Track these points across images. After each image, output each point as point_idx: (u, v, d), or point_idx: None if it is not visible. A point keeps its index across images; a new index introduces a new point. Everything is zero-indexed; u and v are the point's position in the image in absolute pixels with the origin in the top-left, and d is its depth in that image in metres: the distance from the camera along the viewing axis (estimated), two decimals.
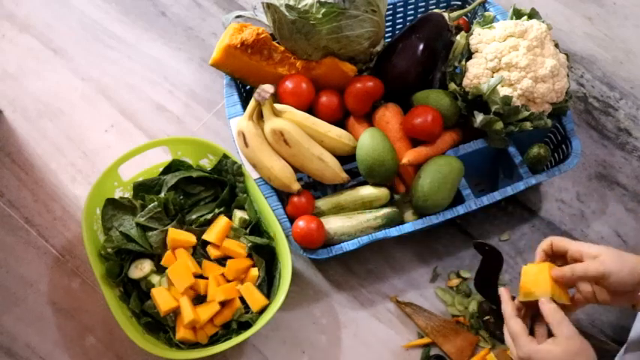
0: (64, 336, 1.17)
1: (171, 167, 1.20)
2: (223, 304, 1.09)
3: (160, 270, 1.12)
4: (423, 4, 1.32)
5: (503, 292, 0.92)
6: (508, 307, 0.90)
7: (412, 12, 1.33)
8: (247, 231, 1.14)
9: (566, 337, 0.84)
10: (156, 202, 1.13)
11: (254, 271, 1.11)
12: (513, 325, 0.88)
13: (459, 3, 1.33)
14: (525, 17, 1.16)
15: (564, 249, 0.92)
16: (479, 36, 1.15)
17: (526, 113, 1.10)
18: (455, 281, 1.18)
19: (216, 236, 1.11)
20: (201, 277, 1.11)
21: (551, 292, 0.87)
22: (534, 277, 0.90)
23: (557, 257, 0.94)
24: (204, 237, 1.12)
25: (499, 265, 0.98)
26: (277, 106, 1.14)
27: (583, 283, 0.89)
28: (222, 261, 1.13)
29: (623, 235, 1.23)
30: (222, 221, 1.12)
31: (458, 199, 1.15)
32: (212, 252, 1.12)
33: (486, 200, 1.13)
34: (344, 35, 1.13)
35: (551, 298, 0.87)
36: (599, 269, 0.86)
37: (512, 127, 1.11)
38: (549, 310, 0.86)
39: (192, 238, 1.12)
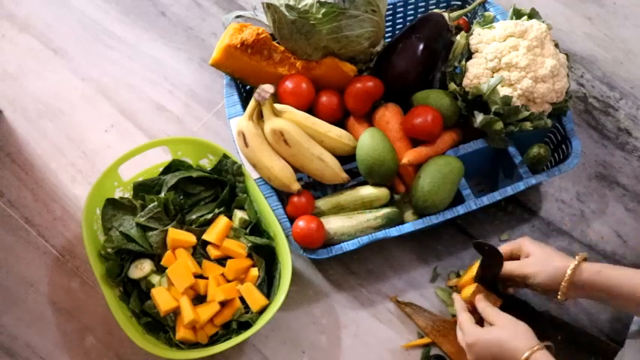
0: (64, 336, 1.17)
1: (171, 167, 1.20)
2: (223, 304, 1.09)
3: (160, 270, 1.12)
4: (423, 4, 1.32)
5: (455, 296, 1.04)
6: (458, 304, 1.00)
7: (412, 12, 1.33)
8: (247, 231, 1.14)
9: (498, 315, 0.93)
10: (156, 202, 1.13)
11: (254, 271, 1.11)
12: (461, 316, 0.98)
13: (459, 3, 1.33)
14: (525, 17, 1.16)
15: (508, 253, 1.03)
16: (479, 36, 1.15)
17: (526, 113, 1.10)
18: (455, 281, 1.18)
19: (216, 236, 1.11)
20: (201, 277, 1.11)
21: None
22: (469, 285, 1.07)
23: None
24: (204, 237, 1.12)
25: (499, 265, 0.98)
26: (277, 106, 1.14)
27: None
28: (222, 261, 1.13)
29: (623, 235, 1.23)
30: (222, 221, 1.12)
31: (458, 199, 1.15)
32: (212, 252, 1.12)
33: (486, 200, 1.13)
34: (344, 35, 1.13)
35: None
36: (523, 270, 0.97)
37: (512, 127, 1.11)
38: (482, 305, 0.97)
39: (192, 238, 1.12)
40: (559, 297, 0.95)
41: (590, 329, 1.14)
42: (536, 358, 0.85)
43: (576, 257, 0.95)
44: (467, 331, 0.94)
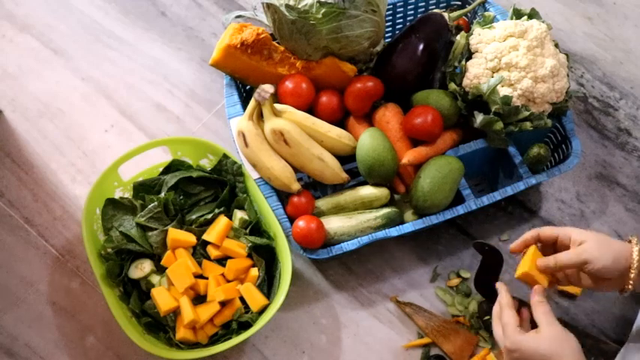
0: (64, 336, 1.17)
1: (171, 167, 1.20)
2: (223, 304, 1.09)
3: (160, 270, 1.12)
4: (423, 4, 1.32)
5: (501, 285, 0.94)
6: (505, 298, 0.92)
7: (412, 12, 1.33)
8: (247, 231, 1.14)
9: (549, 327, 0.86)
10: (156, 202, 1.13)
11: (254, 271, 1.11)
12: (507, 315, 0.89)
13: (459, 3, 1.33)
14: (525, 17, 1.16)
15: (553, 237, 0.94)
16: (479, 36, 1.15)
17: (526, 113, 1.10)
18: (455, 281, 1.18)
19: (216, 236, 1.11)
20: (201, 277, 1.11)
21: (529, 270, 0.92)
22: (521, 260, 0.96)
23: (547, 247, 0.96)
24: (204, 237, 1.12)
25: (499, 265, 0.98)
26: (277, 106, 1.14)
27: (568, 269, 0.92)
28: (222, 261, 1.13)
29: (623, 235, 1.23)
30: (222, 221, 1.12)
31: (458, 199, 1.15)
32: (212, 252, 1.12)
33: (486, 200, 1.13)
34: (344, 35, 1.13)
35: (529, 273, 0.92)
36: (582, 257, 0.88)
37: (512, 127, 1.11)
38: (535, 302, 0.89)
39: (192, 238, 1.12)
40: (629, 286, 0.88)
41: (590, 330, 1.14)
42: None
43: (633, 241, 0.89)
44: (509, 335, 0.87)
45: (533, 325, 0.90)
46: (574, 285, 0.96)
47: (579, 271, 0.94)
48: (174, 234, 1.11)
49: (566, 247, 0.92)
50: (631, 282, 0.88)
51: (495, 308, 0.93)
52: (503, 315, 0.90)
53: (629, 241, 0.90)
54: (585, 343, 1.09)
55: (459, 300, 1.17)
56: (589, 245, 0.89)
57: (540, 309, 0.88)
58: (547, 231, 0.94)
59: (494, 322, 0.92)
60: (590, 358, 1.08)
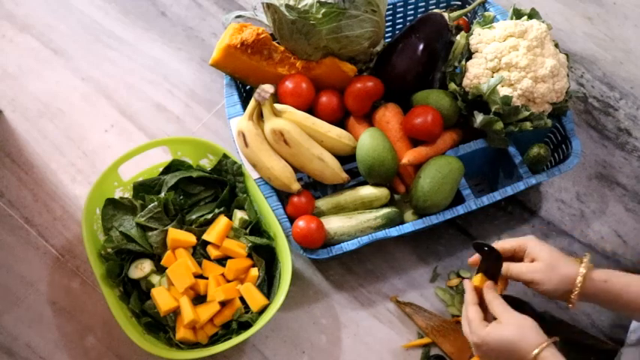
0: (64, 336, 1.17)
1: (171, 167, 1.20)
2: (223, 304, 1.09)
3: (160, 270, 1.12)
4: (423, 4, 1.32)
5: (466, 282, 0.98)
6: (469, 295, 0.95)
7: (412, 12, 1.33)
8: (247, 231, 1.14)
9: (507, 314, 0.90)
10: (156, 202, 1.13)
11: (254, 271, 1.11)
12: (471, 310, 0.93)
13: (459, 3, 1.33)
14: (525, 17, 1.16)
15: (511, 250, 0.98)
16: (479, 36, 1.15)
17: (526, 113, 1.10)
18: (455, 281, 1.18)
19: (216, 236, 1.11)
20: (201, 277, 1.11)
21: (479, 284, 0.97)
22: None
23: (507, 257, 1.00)
24: (204, 237, 1.12)
25: (498, 265, 0.98)
26: (277, 106, 1.14)
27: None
28: (222, 261, 1.13)
29: (623, 235, 1.23)
30: (222, 221, 1.12)
31: (458, 199, 1.15)
32: (212, 252, 1.12)
33: (486, 200, 1.13)
34: (344, 35, 1.13)
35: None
36: (528, 276, 0.94)
37: (512, 127, 1.11)
38: (490, 297, 0.93)
39: (192, 238, 1.12)
40: (569, 306, 0.93)
41: (590, 330, 1.14)
42: (544, 356, 0.84)
43: (582, 263, 0.92)
44: (474, 330, 0.91)
45: None
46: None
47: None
48: (174, 234, 1.11)
49: (522, 256, 0.97)
50: (572, 303, 0.93)
51: (464, 307, 0.96)
52: (468, 311, 0.93)
53: (581, 261, 0.93)
54: (585, 343, 1.09)
55: (459, 300, 1.17)
56: (538, 267, 0.93)
57: (495, 302, 0.92)
58: (506, 244, 0.98)
59: (462, 320, 0.95)
60: (590, 357, 1.08)
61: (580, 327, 1.14)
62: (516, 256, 0.98)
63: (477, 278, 0.97)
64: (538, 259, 0.94)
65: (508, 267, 0.96)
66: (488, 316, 0.93)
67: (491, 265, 0.98)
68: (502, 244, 0.98)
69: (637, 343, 1.01)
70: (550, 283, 0.92)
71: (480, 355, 0.92)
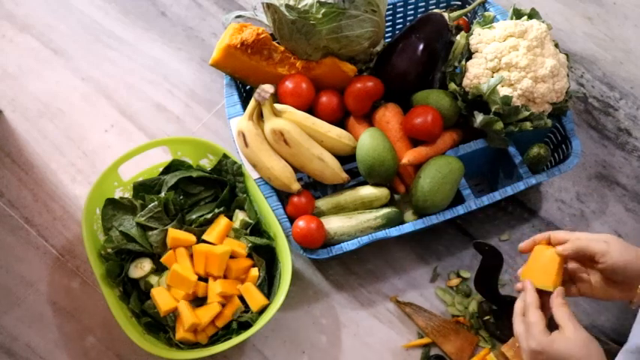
0: (64, 336, 1.17)
1: (171, 167, 1.20)
2: (223, 305, 1.09)
3: (160, 269, 1.12)
4: (423, 4, 1.32)
5: (527, 282, 0.90)
6: (531, 296, 0.88)
7: (412, 12, 1.33)
8: (247, 231, 1.14)
9: (575, 330, 0.83)
10: (156, 202, 1.13)
11: (254, 271, 1.11)
12: (533, 314, 0.86)
13: (459, 3, 1.33)
14: (525, 17, 1.16)
15: (564, 241, 0.91)
16: (479, 36, 1.15)
17: (526, 113, 1.10)
18: (455, 281, 1.18)
19: (216, 236, 1.11)
20: (200, 277, 1.11)
21: (553, 285, 0.88)
22: (543, 265, 0.90)
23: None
24: (204, 237, 1.12)
25: (499, 265, 0.98)
26: (277, 106, 1.14)
27: (581, 272, 0.89)
28: None
29: (623, 235, 1.23)
30: (222, 221, 1.12)
31: (458, 199, 1.15)
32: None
33: (486, 200, 1.13)
34: (344, 35, 1.13)
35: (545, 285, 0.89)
36: (603, 247, 0.86)
37: (512, 127, 1.11)
38: (558, 304, 0.86)
39: (192, 238, 1.11)
40: (633, 301, 0.86)
41: (590, 330, 1.14)
42: None
43: None
44: (535, 335, 0.84)
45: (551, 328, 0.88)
46: (583, 293, 0.93)
47: (590, 275, 0.91)
48: (174, 234, 1.11)
49: (583, 257, 0.90)
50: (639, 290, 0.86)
51: (519, 304, 0.89)
52: (530, 314, 0.86)
53: None
54: None
55: (459, 300, 1.17)
56: (611, 240, 0.86)
57: (564, 310, 0.85)
58: (559, 235, 0.91)
59: (517, 319, 0.88)
60: None
61: None
62: (582, 260, 0.91)
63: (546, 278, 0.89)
64: (608, 240, 0.87)
65: (577, 236, 0.88)
66: (547, 323, 0.87)
67: (492, 264, 0.98)
68: (554, 235, 0.91)
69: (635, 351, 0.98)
70: (621, 256, 0.84)
71: None
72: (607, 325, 1.15)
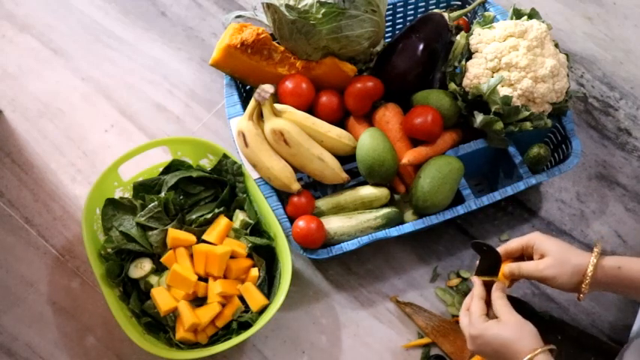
0: (64, 336, 1.17)
1: (171, 167, 1.20)
2: (223, 305, 1.09)
3: (160, 269, 1.12)
4: (423, 4, 1.32)
5: (476, 278, 0.98)
6: (478, 290, 0.96)
7: (412, 12, 1.33)
8: (247, 231, 1.14)
9: (509, 315, 0.90)
10: (156, 202, 1.13)
11: (254, 271, 1.11)
12: (476, 304, 0.94)
13: (459, 3, 1.33)
14: (525, 17, 1.16)
15: (519, 250, 0.98)
16: (479, 36, 1.15)
17: (526, 113, 1.10)
18: (455, 281, 1.18)
19: (216, 236, 1.11)
20: (200, 276, 1.11)
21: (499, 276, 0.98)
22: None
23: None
24: (204, 237, 1.12)
25: (497, 264, 0.97)
26: (277, 106, 1.14)
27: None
28: None
29: (623, 235, 1.23)
30: (222, 222, 1.12)
31: (458, 199, 1.15)
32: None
33: (486, 200, 1.13)
34: (344, 35, 1.13)
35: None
36: (542, 273, 0.94)
37: (512, 127, 1.11)
38: (496, 296, 0.93)
39: (192, 238, 1.11)
40: (580, 297, 0.93)
41: (590, 330, 1.14)
42: None
43: (593, 252, 0.92)
44: (474, 322, 0.91)
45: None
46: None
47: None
48: (174, 234, 1.11)
49: (530, 253, 0.97)
50: (582, 293, 0.93)
51: (466, 299, 0.96)
52: (473, 304, 0.94)
53: (594, 247, 0.93)
54: (585, 343, 1.09)
55: (459, 300, 1.17)
56: (549, 262, 0.93)
57: (500, 302, 0.92)
58: (512, 244, 0.98)
59: (462, 311, 0.96)
60: (591, 358, 1.08)
61: (580, 327, 1.14)
62: (525, 254, 0.98)
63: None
64: (547, 254, 0.94)
65: (520, 267, 0.96)
66: (490, 314, 0.94)
67: (490, 264, 0.97)
68: (509, 246, 0.98)
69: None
70: (563, 276, 0.92)
71: (473, 349, 0.92)
72: (607, 326, 1.15)
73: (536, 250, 0.96)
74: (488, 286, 0.96)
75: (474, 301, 0.94)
